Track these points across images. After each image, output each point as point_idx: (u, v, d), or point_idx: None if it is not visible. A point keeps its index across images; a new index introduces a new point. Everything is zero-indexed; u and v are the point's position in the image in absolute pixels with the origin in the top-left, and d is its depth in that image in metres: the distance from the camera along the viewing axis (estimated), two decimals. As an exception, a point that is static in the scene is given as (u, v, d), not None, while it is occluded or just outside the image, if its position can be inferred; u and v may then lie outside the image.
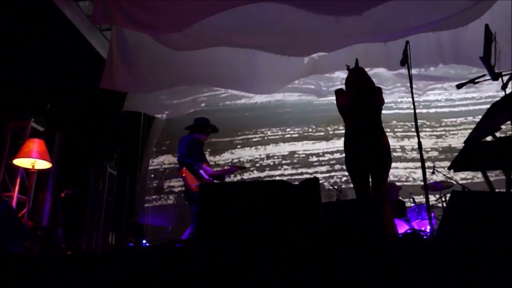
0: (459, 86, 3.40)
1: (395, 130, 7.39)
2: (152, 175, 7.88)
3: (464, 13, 4.49)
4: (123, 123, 7.45)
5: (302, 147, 7.56)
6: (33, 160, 5.07)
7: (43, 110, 5.63)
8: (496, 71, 3.08)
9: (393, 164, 7.00)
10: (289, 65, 6.21)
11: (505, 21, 4.67)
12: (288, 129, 7.75)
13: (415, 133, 7.09)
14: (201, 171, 4.31)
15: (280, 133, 7.77)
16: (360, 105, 3.41)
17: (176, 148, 7.88)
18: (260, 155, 7.64)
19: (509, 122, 3.07)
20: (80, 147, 6.65)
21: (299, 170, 7.35)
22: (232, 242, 2.07)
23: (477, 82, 3.23)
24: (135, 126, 8.25)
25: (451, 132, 7.23)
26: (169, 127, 8.09)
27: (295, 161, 7.47)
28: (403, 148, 7.21)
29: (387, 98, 7.16)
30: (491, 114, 2.91)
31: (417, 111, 7.25)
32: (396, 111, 7.43)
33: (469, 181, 6.52)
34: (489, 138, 3.21)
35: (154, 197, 7.71)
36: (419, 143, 3.18)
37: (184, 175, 4.27)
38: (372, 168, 3.38)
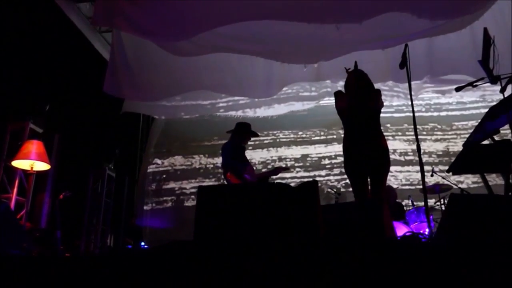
0: (458, 89, 3.42)
1: (407, 133, 7.30)
2: (151, 177, 7.86)
3: (463, 18, 4.51)
4: (122, 125, 7.47)
5: (314, 150, 7.58)
6: (31, 162, 5.10)
7: (42, 112, 5.66)
8: (495, 74, 3.10)
9: (406, 168, 7.09)
10: (289, 71, 6.22)
11: (503, 21, 4.69)
12: (300, 132, 7.79)
13: (426, 136, 7.14)
14: (246, 175, 4.32)
15: (292, 135, 7.81)
16: (358, 107, 3.43)
17: (175, 149, 8.01)
18: (271, 157, 7.68)
19: (507, 126, 3.07)
20: (79, 148, 6.69)
21: (312, 173, 7.36)
22: (230, 244, 2.07)
23: (476, 86, 3.25)
24: (134, 128, 8.31)
25: (461, 136, 7.13)
26: (168, 129, 8.11)
27: (307, 164, 7.52)
28: (414, 152, 7.10)
29: (400, 101, 7.17)
30: (490, 117, 2.92)
31: (428, 114, 7.31)
32: (408, 114, 7.28)
33: (480, 184, 6.43)
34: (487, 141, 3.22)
35: (153, 199, 7.68)
36: (418, 145, 3.20)
37: (229, 178, 4.27)
38: (371, 170, 3.38)
